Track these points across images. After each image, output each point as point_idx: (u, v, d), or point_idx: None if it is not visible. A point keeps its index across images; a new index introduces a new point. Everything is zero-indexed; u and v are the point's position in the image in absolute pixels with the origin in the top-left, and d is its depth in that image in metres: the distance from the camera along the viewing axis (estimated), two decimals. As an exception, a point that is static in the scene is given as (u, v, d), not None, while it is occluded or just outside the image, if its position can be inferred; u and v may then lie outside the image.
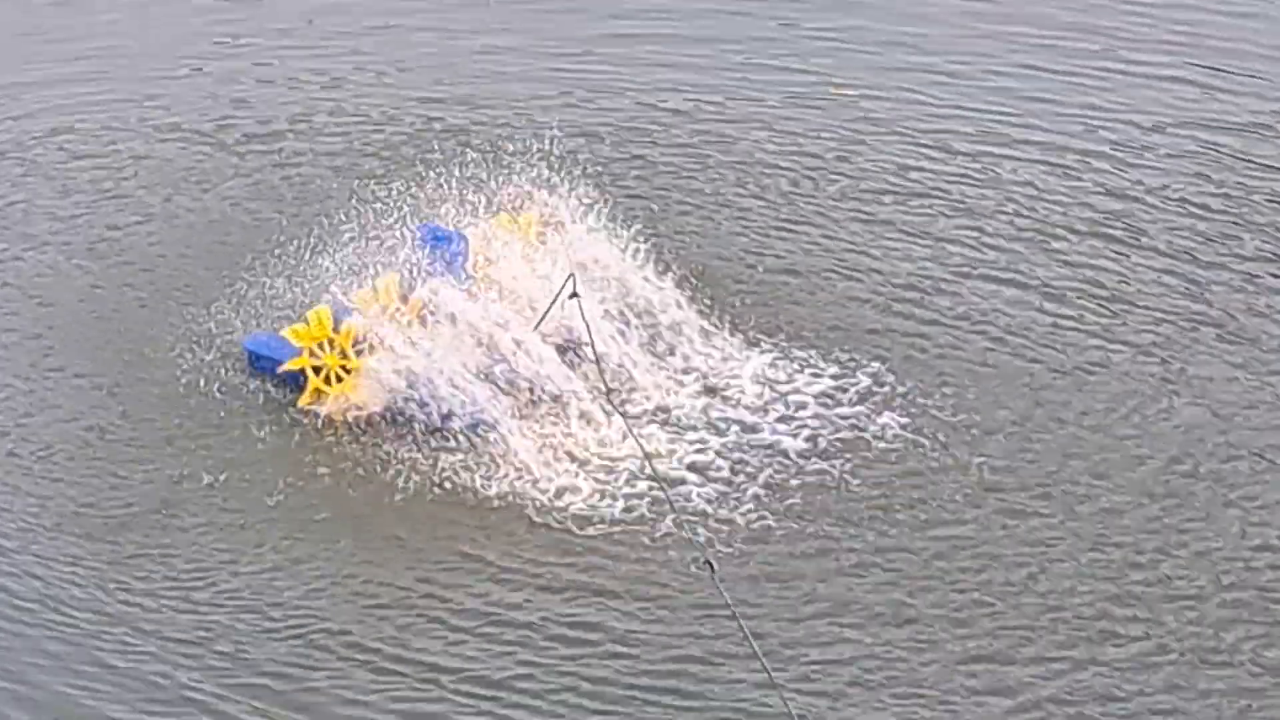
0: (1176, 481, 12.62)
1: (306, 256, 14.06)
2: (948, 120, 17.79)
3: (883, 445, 12.94)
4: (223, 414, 13.46)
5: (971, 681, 11.00)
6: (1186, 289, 14.76)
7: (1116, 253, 15.36)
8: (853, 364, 13.76)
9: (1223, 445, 12.93)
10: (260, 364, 13.69)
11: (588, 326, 13.04)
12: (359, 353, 13.30)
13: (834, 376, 13.64)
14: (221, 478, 12.85)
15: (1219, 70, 18.80)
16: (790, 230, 15.72)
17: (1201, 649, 11.20)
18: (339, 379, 13.37)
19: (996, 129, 17.57)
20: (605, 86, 18.61)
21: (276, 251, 14.41)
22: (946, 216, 15.96)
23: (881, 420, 13.17)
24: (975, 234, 15.64)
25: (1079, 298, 14.70)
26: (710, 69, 19.01)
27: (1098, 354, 13.96)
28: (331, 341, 13.35)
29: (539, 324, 13.41)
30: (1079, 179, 16.59)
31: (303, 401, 13.43)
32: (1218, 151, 17.08)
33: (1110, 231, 15.67)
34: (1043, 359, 13.89)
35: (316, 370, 13.38)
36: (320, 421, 13.26)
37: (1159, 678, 11.02)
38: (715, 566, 10.67)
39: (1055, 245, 15.46)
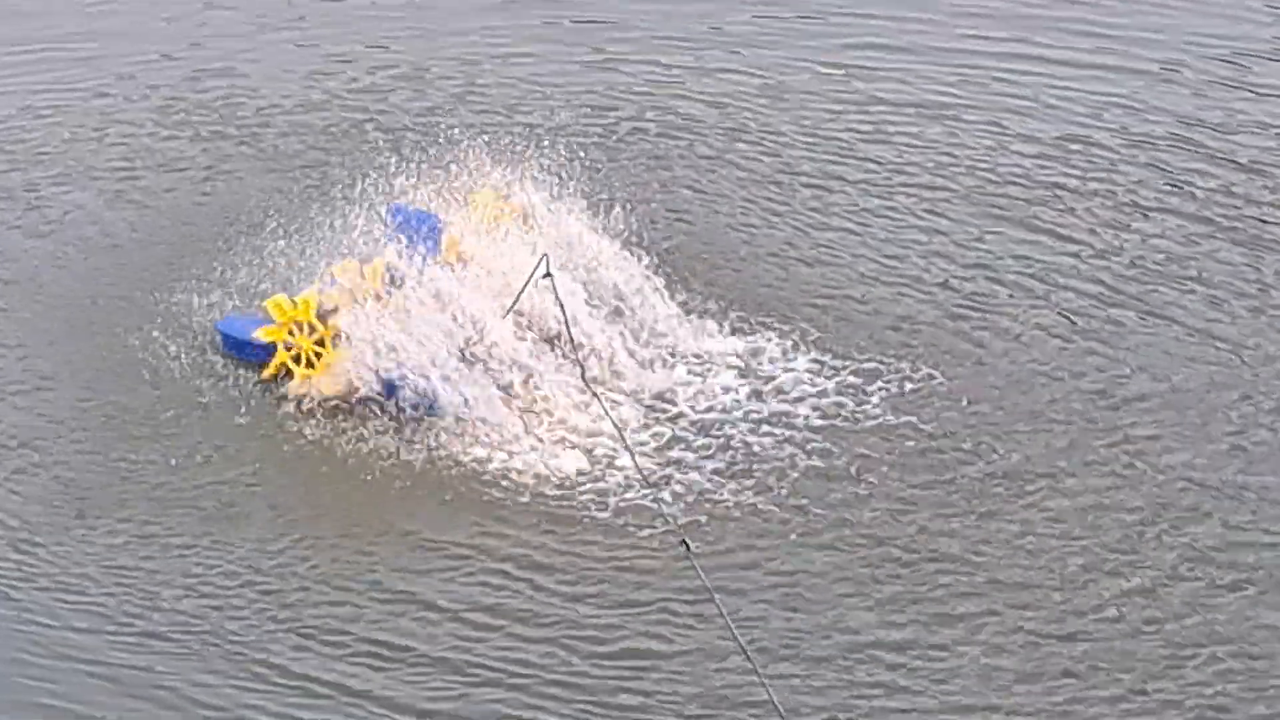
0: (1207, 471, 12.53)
1: (277, 238, 14.08)
2: (954, 87, 17.85)
3: (866, 428, 12.91)
4: (191, 395, 13.42)
5: (958, 665, 10.93)
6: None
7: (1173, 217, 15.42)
8: (836, 347, 13.72)
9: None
10: (231, 345, 13.66)
11: (562, 307, 12.91)
12: (329, 334, 13.26)
13: (815, 359, 13.61)
14: (193, 459, 12.85)
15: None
16: (776, 212, 15.67)
17: (1230, 654, 10.96)
18: (310, 364, 13.31)
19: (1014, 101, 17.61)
20: (582, 68, 18.59)
21: (246, 232, 14.46)
22: (957, 192, 16.01)
23: (865, 404, 13.15)
24: (983, 213, 15.66)
25: (1104, 277, 14.68)
26: (694, 50, 18.97)
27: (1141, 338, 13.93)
28: (308, 326, 13.28)
29: (511, 308, 13.33)
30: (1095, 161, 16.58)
31: (265, 374, 13.40)
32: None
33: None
34: (1052, 353, 13.79)
35: (289, 347, 13.32)
36: (293, 405, 13.22)
37: (1169, 680, 10.84)
38: (691, 546, 10.52)
39: (1075, 224, 15.45)
